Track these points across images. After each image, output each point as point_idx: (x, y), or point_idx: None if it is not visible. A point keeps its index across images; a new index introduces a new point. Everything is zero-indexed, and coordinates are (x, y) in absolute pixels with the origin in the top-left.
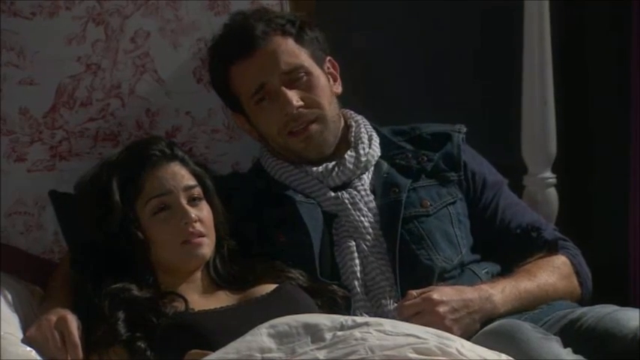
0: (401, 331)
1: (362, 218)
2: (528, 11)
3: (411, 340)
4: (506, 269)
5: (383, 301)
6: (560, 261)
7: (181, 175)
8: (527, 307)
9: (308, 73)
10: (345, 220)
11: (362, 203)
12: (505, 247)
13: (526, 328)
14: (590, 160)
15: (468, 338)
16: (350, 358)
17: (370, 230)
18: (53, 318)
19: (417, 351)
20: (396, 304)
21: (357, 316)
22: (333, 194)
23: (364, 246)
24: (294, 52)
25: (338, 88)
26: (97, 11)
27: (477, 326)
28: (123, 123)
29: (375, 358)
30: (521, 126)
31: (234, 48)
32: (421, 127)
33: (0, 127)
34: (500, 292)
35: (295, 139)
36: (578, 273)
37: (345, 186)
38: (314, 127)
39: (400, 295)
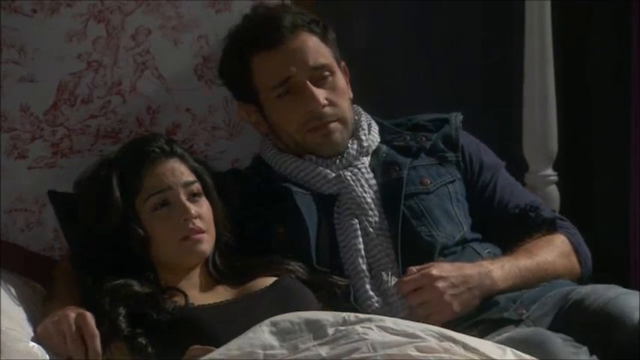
0: (402, 329)
1: (364, 195)
2: (529, 8)
3: (413, 338)
4: (506, 250)
5: (384, 278)
6: (559, 240)
7: (180, 172)
8: (526, 285)
9: (332, 74)
10: (347, 198)
11: (363, 180)
12: (504, 228)
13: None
14: (591, 158)
15: (469, 317)
16: (352, 355)
17: (373, 206)
18: (72, 314)
19: (419, 349)
20: (396, 281)
21: (362, 294)
22: (334, 174)
23: (366, 223)
24: (321, 51)
25: (350, 94)
26: (98, 8)
27: (477, 302)
28: (123, 120)
29: (377, 356)
30: (523, 123)
31: (260, 37)
32: (416, 117)
33: (1, 124)
34: (500, 268)
35: (314, 135)
36: (577, 252)
37: (345, 167)
38: (334, 125)
39: (401, 272)
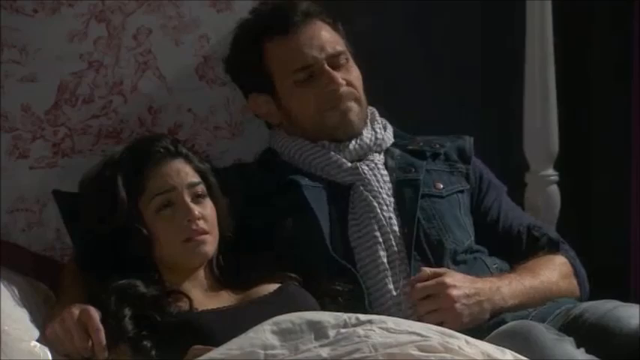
0: (404, 328)
1: (380, 190)
2: (530, 8)
3: (414, 337)
4: (510, 267)
5: (393, 277)
6: (561, 261)
7: (185, 172)
8: (532, 302)
9: (348, 60)
10: (363, 190)
11: (379, 175)
12: (507, 245)
13: (540, 329)
14: (591, 158)
15: (476, 331)
16: (353, 356)
17: (388, 202)
18: (75, 311)
19: (420, 348)
20: (405, 281)
21: (381, 288)
22: (350, 164)
23: (381, 216)
24: (336, 39)
25: None
26: (99, 8)
27: (487, 316)
28: (125, 120)
29: (378, 356)
30: (523, 123)
31: (275, 23)
32: (430, 136)
33: (2, 123)
34: (508, 285)
35: (333, 114)
36: (576, 275)
37: (360, 160)
38: (352, 104)
39: (411, 272)
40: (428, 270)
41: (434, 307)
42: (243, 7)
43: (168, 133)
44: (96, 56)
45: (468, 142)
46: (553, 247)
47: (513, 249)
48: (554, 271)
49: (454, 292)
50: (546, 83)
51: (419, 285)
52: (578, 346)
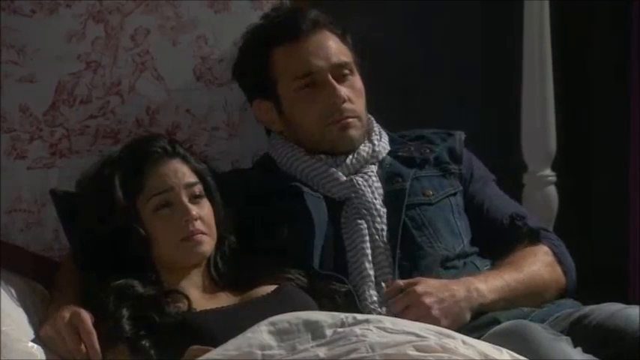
0: (401, 328)
1: (374, 201)
2: (528, 8)
3: (412, 337)
4: (493, 261)
5: (383, 283)
6: (542, 251)
7: (182, 173)
8: (515, 296)
9: (352, 73)
10: (357, 202)
11: (374, 187)
12: (492, 237)
13: (537, 328)
14: (591, 158)
15: (459, 329)
16: (351, 356)
17: (381, 213)
18: (66, 314)
19: (418, 348)
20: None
21: (366, 299)
22: (345, 178)
23: (374, 229)
24: (343, 50)
25: None
26: (97, 9)
27: (467, 315)
28: (123, 120)
29: (375, 356)
30: (521, 124)
31: (282, 30)
32: (421, 129)
33: (0, 124)
34: (484, 281)
35: (333, 128)
36: (560, 262)
37: (356, 172)
38: (352, 120)
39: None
40: (400, 282)
41: (411, 318)
42: (241, 8)
43: (166, 133)
44: (94, 57)
45: (458, 140)
46: (534, 238)
47: (496, 240)
48: (536, 262)
49: (427, 300)
50: (544, 84)
51: (391, 301)
52: (585, 347)
